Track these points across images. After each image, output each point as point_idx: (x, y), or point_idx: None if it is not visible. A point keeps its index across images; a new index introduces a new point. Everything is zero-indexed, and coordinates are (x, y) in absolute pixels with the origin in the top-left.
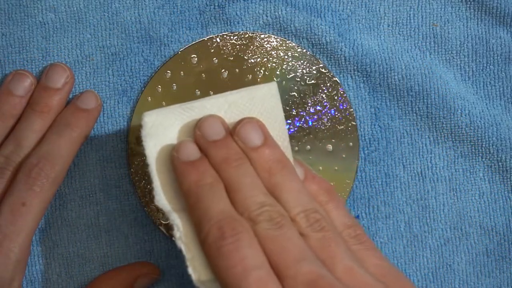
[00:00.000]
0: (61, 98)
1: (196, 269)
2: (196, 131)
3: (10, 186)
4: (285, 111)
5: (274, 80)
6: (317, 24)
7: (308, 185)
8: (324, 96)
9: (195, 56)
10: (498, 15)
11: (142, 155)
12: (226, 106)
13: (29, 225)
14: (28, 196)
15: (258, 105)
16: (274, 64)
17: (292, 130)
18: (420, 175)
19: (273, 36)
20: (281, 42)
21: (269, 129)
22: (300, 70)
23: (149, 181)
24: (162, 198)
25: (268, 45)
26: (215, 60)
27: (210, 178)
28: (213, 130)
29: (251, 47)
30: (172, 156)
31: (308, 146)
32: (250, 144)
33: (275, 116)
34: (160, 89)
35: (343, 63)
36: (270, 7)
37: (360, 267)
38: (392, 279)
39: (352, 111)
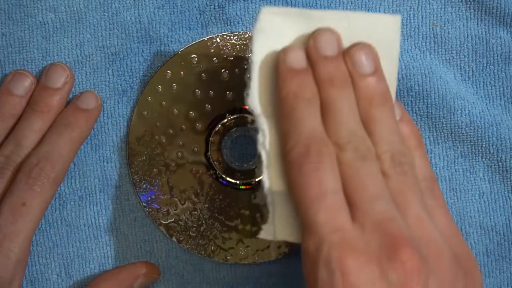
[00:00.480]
0: (61, 98)
1: (270, 178)
2: (310, 41)
3: (11, 186)
4: None
5: (399, 15)
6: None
7: (402, 127)
8: None
9: (195, 56)
10: (498, 15)
11: (142, 155)
12: (345, 24)
13: (29, 225)
14: (28, 196)
15: (378, 32)
16: None
17: None
18: None
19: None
20: None
21: (382, 61)
22: None
23: (149, 181)
24: (256, 98)
25: None
26: (215, 60)
27: (310, 93)
28: (328, 45)
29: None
30: (278, 57)
31: None
32: (361, 70)
33: (391, 50)
34: (160, 89)
35: None
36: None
37: (431, 220)
38: (459, 246)
39: None
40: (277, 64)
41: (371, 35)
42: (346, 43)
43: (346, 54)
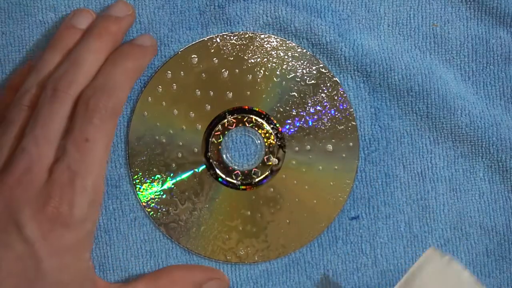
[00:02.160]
0: (120, 27)
1: None
2: None
3: (72, 122)
4: (285, 111)
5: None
6: (317, 24)
7: None
8: (324, 96)
9: (195, 56)
10: (498, 15)
11: (142, 155)
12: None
13: (97, 161)
14: (90, 130)
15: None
16: (274, 64)
17: (292, 130)
18: (420, 175)
19: (273, 36)
20: (281, 42)
21: None
22: (300, 70)
23: (149, 181)
24: None
25: (268, 45)
26: (215, 60)
27: None
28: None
29: (251, 47)
30: None
31: (308, 146)
32: None
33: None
34: (160, 89)
35: (343, 63)
36: (270, 7)
37: None
38: None
39: (352, 111)
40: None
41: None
42: None
43: None
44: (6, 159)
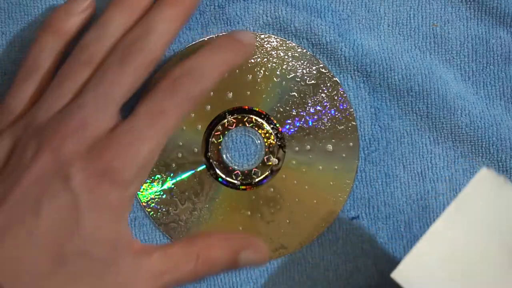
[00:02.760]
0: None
1: None
2: None
3: (151, 92)
4: (285, 111)
5: None
6: (317, 24)
7: None
8: (324, 96)
9: None
10: (498, 15)
11: None
12: None
13: (162, 134)
14: (168, 105)
15: None
16: (274, 64)
17: (292, 130)
18: (420, 175)
19: (273, 36)
20: (281, 42)
21: None
22: (300, 70)
23: (149, 181)
24: None
25: (268, 45)
26: None
27: None
28: None
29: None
30: None
31: (308, 146)
32: None
33: None
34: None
35: (343, 63)
36: (270, 7)
37: None
38: None
39: (352, 111)
40: None
41: None
42: None
43: None
44: (59, 112)
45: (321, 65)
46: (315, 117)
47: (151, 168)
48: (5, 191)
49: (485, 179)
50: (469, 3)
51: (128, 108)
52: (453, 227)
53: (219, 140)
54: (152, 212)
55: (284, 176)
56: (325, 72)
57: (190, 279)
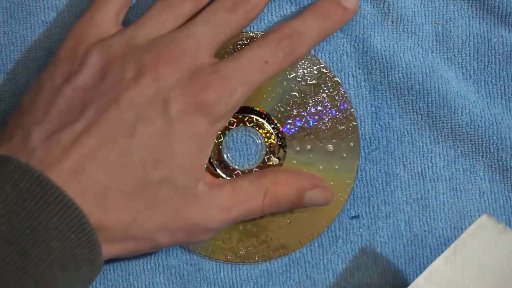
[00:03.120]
0: None
1: None
2: None
3: (259, 40)
4: (286, 111)
5: None
6: None
7: None
8: (325, 96)
9: None
10: (500, 14)
11: None
12: None
13: (257, 80)
14: (271, 58)
15: None
16: None
17: (293, 130)
18: (420, 174)
19: None
20: None
21: None
22: (301, 70)
23: None
24: None
25: None
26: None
27: None
28: None
29: None
30: None
31: (309, 146)
32: None
33: None
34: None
35: (345, 60)
36: (275, 6)
37: None
38: None
39: (353, 111)
40: None
41: None
42: None
43: None
44: (162, 37)
45: (322, 65)
46: (316, 117)
47: (236, 110)
48: (101, 109)
49: (485, 225)
50: (471, 1)
51: None
52: (452, 268)
53: (219, 140)
54: None
55: None
56: (326, 72)
57: (257, 214)
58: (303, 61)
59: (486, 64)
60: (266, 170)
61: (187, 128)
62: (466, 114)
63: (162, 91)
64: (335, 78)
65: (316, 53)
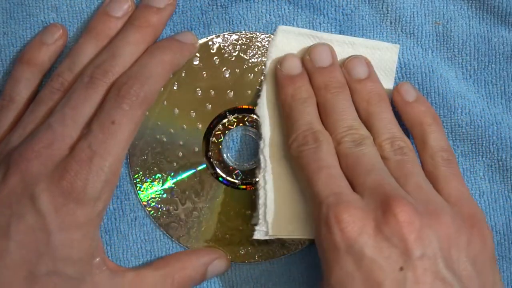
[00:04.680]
0: (161, 18)
1: (264, 177)
2: (306, 55)
3: (102, 105)
4: None
5: (399, 45)
6: (319, 22)
7: (418, 105)
8: None
9: (197, 55)
10: (500, 14)
11: (142, 154)
12: (350, 49)
13: (119, 145)
14: (117, 114)
15: (378, 57)
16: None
17: None
18: None
19: (273, 35)
20: None
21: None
22: None
23: (149, 181)
24: (264, 106)
25: (269, 45)
26: (216, 60)
27: (305, 94)
28: (321, 57)
29: (252, 47)
30: (276, 68)
31: None
32: (356, 75)
33: (389, 73)
34: (162, 88)
35: None
36: (273, 6)
37: (431, 186)
38: (466, 206)
39: None
40: (276, 72)
41: (372, 58)
42: None
43: (343, 65)
44: (28, 135)
45: None
46: None
47: (118, 180)
48: None
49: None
50: (471, 1)
51: None
52: None
53: (219, 140)
54: (153, 212)
55: None
56: None
57: None
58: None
59: (486, 64)
60: (168, 257)
61: (63, 219)
62: (466, 114)
63: (27, 187)
64: None
65: None
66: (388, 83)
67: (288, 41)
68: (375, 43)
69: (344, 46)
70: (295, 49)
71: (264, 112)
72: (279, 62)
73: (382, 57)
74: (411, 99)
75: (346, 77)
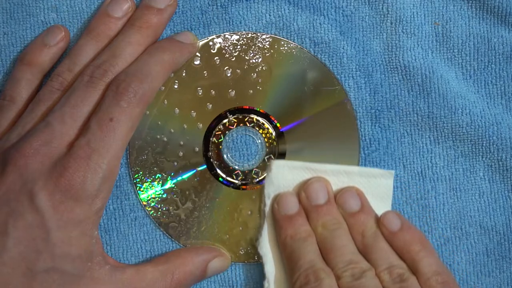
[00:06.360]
0: (161, 19)
1: None
2: (302, 193)
3: (100, 102)
4: (286, 111)
5: (392, 172)
6: (319, 23)
7: (403, 234)
8: (325, 97)
9: (197, 55)
10: (500, 14)
11: (142, 154)
12: (345, 178)
13: (117, 142)
14: (115, 111)
15: (371, 186)
16: (275, 64)
17: (293, 130)
18: (420, 174)
19: (274, 36)
20: (282, 42)
21: (377, 207)
22: (301, 70)
23: (149, 181)
24: (266, 244)
25: (270, 45)
26: (217, 60)
27: (304, 233)
28: (317, 195)
29: (253, 47)
30: (272, 207)
31: (309, 147)
32: (348, 210)
33: (385, 199)
34: (162, 88)
35: (345, 62)
36: (273, 6)
37: None
38: None
39: (353, 112)
40: (273, 213)
41: (369, 186)
42: None
43: (336, 199)
44: (27, 133)
45: (322, 66)
46: (316, 117)
47: (116, 177)
48: None
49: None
50: (471, 1)
51: None
52: None
53: (219, 140)
54: (153, 212)
55: None
56: (326, 72)
57: None
58: (303, 61)
59: (486, 64)
60: (168, 254)
61: (61, 215)
62: (466, 114)
63: (25, 185)
64: (335, 80)
65: (316, 54)
66: (385, 209)
67: (283, 176)
68: (370, 171)
69: (339, 175)
70: (291, 183)
71: (267, 250)
72: (276, 201)
73: (378, 184)
74: (395, 229)
75: (340, 211)
